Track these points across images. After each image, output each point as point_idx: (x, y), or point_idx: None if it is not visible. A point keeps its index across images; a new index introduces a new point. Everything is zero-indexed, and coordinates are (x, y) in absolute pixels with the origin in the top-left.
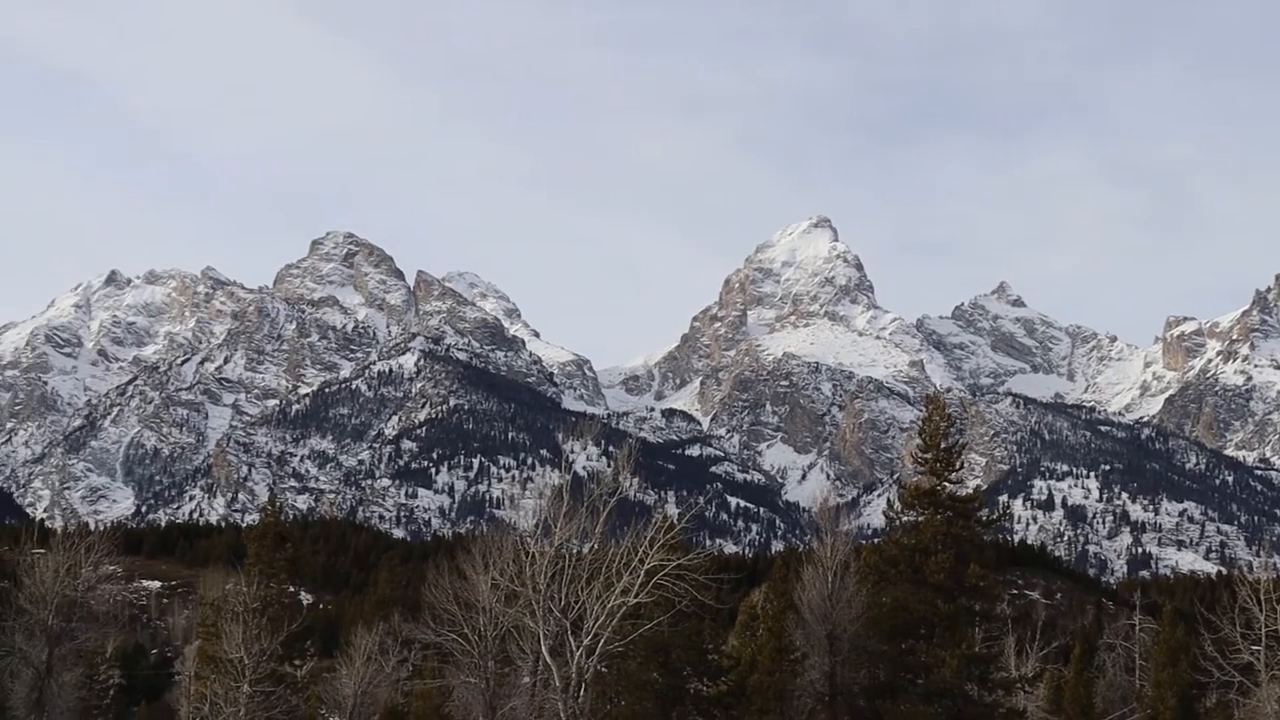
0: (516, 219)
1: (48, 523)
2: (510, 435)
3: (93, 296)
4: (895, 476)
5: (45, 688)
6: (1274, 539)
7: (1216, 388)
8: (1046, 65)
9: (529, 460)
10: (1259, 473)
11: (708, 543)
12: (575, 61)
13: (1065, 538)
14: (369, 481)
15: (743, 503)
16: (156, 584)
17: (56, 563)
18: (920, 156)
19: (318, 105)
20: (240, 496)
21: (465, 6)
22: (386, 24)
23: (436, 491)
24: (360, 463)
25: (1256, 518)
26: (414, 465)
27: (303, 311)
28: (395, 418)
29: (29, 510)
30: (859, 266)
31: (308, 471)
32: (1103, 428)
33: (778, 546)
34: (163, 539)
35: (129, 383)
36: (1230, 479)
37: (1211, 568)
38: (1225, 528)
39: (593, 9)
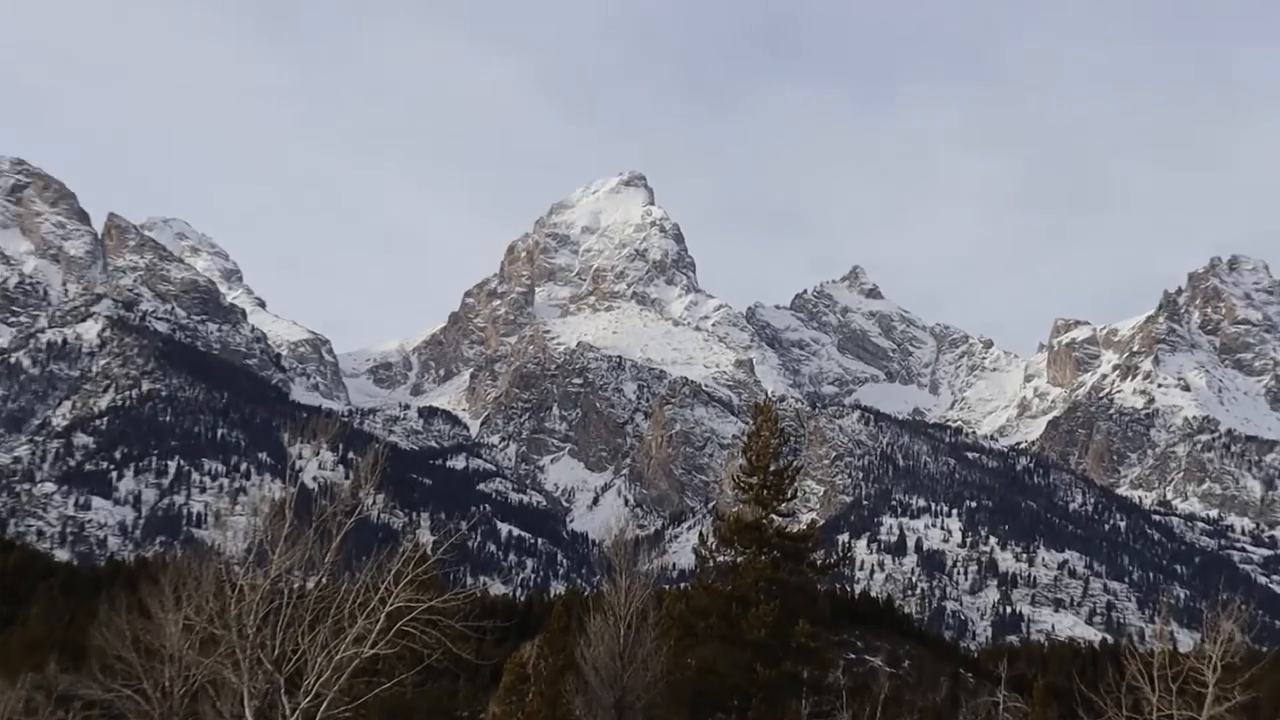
0: (240, 151)
1: None
2: (220, 433)
3: None
4: (711, 505)
5: None
6: (1173, 602)
7: (1111, 410)
8: (915, 5)
9: (243, 466)
10: (1157, 519)
11: (469, 581)
12: None
13: (918, 590)
14: (26, 486)
15: (517, 531)
16: None
17: None
18: (759, 108)
19: None
20: None
21: None
22: None
23: (117, 503)
24: (16, 460)
25: (1152, 574)
26: (89, 467)
27: None
28: (68, 404)
29: None
30: (678, 238)
31: None
32: (970, 454)
33: (558, 588)
34: None
35: None
36: (1122, 525)
37: (1095, 634)
38: (1114, 585)
39: None
